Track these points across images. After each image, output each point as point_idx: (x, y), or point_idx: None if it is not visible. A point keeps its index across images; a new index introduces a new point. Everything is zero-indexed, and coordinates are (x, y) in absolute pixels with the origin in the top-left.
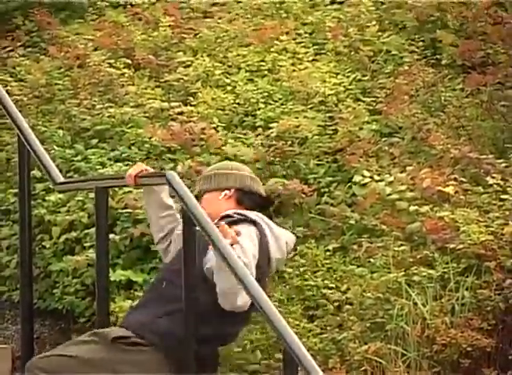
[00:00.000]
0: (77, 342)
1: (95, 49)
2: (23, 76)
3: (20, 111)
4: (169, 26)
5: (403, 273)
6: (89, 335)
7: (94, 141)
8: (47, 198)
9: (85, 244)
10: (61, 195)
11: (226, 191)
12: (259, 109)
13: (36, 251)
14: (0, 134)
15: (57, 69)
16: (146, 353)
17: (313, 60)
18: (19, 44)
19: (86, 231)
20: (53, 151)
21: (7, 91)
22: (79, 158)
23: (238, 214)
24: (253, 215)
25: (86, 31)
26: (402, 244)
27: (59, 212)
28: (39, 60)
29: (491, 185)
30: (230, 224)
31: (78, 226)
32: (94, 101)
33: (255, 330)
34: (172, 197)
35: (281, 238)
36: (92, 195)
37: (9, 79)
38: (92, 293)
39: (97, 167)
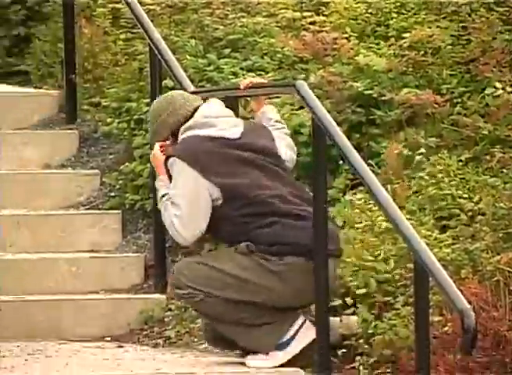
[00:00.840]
0: (229, 257)
1: None
2: None
3: (152, 21)
4: None
5: None
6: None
7: (227, 51)
8: None
9: None
10: None
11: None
12: (392, 19)
13: None
14: (133, 44)
15: None
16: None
17: None
18: None
19: None
20: (185, 60)
21: (139, 1)
22: (211, 67)
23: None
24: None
25: None
26: None
27: None
28: None
29: None
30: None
31: None
32: (227, 10)
33: (387, 240)
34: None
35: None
36: None
37: None
38: None
39: (230, 77)
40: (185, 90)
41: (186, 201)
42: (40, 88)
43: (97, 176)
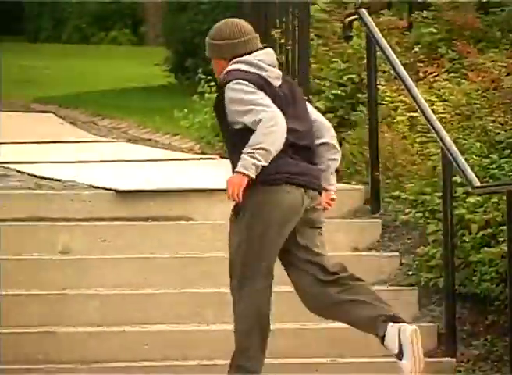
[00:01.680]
0: None
1: (507, 74)
2: (447, 97)
3: (444, 127)
4: None
5: None
6: None
7: (507, 152)
8: (467, 199)
9: (499, 239)
10: (479, 197)
11: (222, 60)
12: None
13: (457, 244)
14: (427, 146)
15: (475, 91)
16: None
17: None
18: (443, 70)
19: (500, 228)
20: (472, 160)
21: (433, 110)
22: (493, 166)
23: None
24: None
25: (500, 59)
26: None
27: (477, 211)
28: (460, 83)
29: None
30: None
31: (493, 223)
32: (507, 117)
33: None
34: None
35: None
36: (505, 198)
37: (435, 99)
38: (505, 280)
39: (510, 174)
40: (471, 185)
41: (265, 106)
42: (349, 183)
43: (398, 257)
